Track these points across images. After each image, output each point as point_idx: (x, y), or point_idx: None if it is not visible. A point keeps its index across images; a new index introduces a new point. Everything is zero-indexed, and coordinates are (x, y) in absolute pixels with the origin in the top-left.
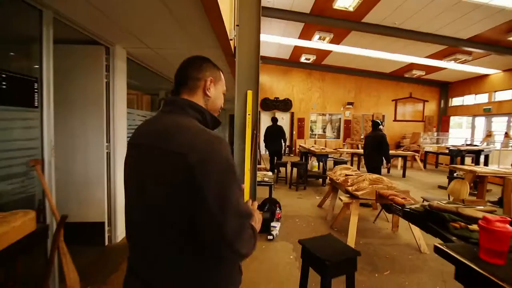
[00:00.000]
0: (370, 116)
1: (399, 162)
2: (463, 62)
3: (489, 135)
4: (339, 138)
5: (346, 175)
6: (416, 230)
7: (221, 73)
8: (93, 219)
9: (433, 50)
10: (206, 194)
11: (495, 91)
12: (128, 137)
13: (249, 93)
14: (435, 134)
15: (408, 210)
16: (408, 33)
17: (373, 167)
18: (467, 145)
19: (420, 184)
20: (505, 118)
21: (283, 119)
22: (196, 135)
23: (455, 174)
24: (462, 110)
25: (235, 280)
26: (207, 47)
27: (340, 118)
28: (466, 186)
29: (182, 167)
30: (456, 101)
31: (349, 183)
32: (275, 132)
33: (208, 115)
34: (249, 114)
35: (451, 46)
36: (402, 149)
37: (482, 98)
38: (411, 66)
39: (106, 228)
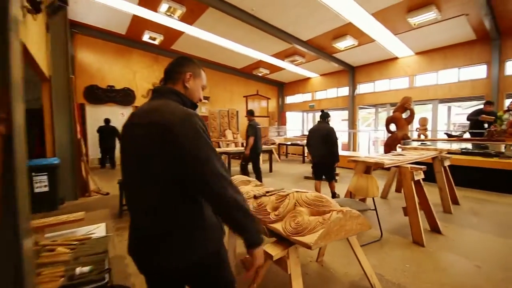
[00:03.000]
0: (226, 112)
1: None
2: (298, 64)
3: None
4: None
5: (255, 196)
6: (366, 263)
7: (202, 71)
8: None
9: (279, 48)
10: (184, 146)
11: (316, 91)
12: None
13: None
14: (277, 127)
15: None
16: (261, 24)
17: (326, 163)
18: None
19: (288, 176)
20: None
21: (123, 115)
22: (175, 108)
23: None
24: (294, 107)
25: (217, 234)
26: None
27: None
28: (374, 181)
29: (164, 130)
30: (289, 99)
31: (273, 216)
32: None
33: (187, 99)
34: None
35: (294, 44)
36: (261, 142)
37: (307, 97)
38: (259, 64)
39: None
